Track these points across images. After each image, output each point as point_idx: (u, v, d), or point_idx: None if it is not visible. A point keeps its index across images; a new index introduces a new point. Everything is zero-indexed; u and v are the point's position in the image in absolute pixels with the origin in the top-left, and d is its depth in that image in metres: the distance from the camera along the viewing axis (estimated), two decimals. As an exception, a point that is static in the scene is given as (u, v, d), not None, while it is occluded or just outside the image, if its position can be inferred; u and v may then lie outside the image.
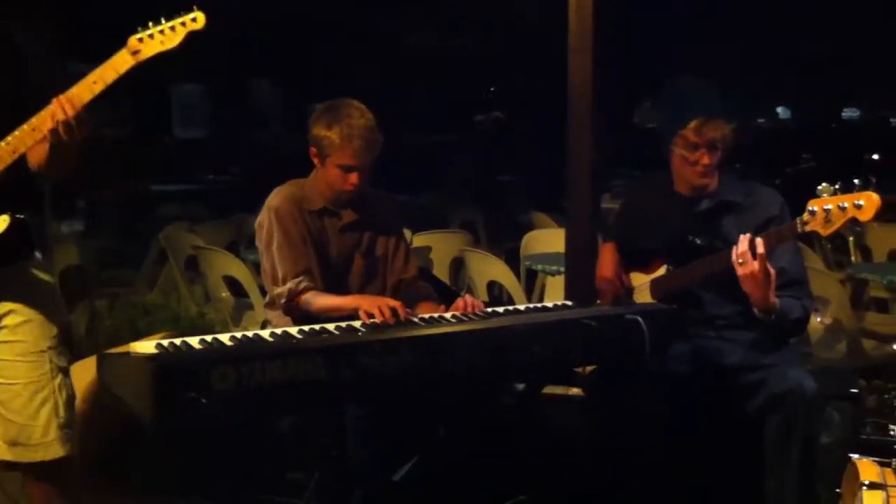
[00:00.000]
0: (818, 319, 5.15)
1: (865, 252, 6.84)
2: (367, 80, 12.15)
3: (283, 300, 3.12)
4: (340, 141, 3.07)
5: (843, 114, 22.94)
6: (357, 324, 2.79)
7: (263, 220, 3.22)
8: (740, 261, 3.01)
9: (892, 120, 22.83)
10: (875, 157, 16.96)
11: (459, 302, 3.05)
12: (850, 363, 4.64)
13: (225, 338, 2.61)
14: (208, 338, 2.59)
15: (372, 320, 2.78)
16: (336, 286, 3.19)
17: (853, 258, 6.76)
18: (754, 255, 2.98)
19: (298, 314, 3.13)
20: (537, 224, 7.28)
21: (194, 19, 2.49)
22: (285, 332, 2.68)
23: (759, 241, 2.99)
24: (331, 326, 2.75)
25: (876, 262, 6.54)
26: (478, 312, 2.98)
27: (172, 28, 2.49)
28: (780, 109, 22.72)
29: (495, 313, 2.99)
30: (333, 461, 2.95)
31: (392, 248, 3.33)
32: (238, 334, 2.65)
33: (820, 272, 5.47)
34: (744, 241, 3.02)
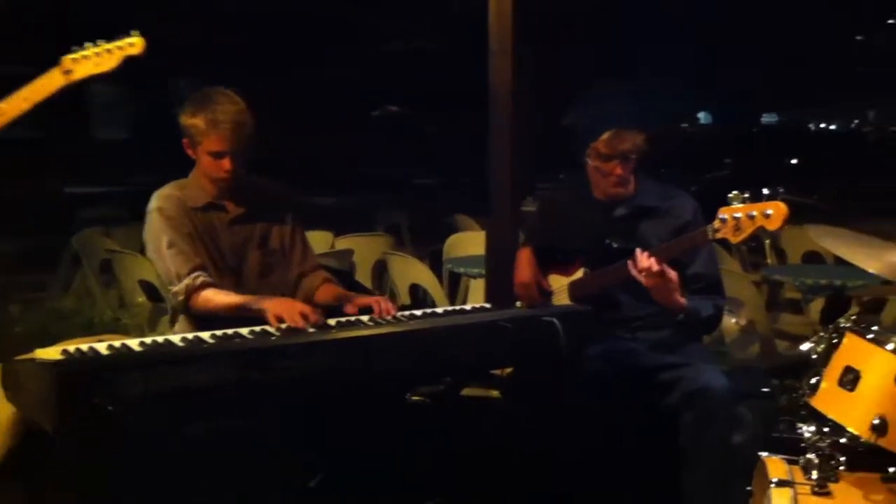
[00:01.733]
0: (733, 320, 5.25)
1: (781, 254, 7.01)
2: (290, 79, 12.06)
3: (181, 298, 3.06)
4: (207, 126, 3.02)
5: (763, 119, 23.53)
6: (271, 328, 2.75)
7: (149, 224, 3.15)
8: (642, 274, 3.09)
9: (810, 125, 23.53)
10: (794, 161, 17.46)
11: (371, 299, 3.03)
12: (764, 363, 4.74)
13: (134, 343, 2.55)
14: (116, 343, 2.53)
15: (283, 324, 2.74)
16: (233, 282, 3.14)
17: (769, 260, 6.92)
18: (653, 268, 3.06)
19: (200, 314, 3.06)
20: (461, 226, 7.28)
21: (132, 44, 2.44)
22: (197, 337, 2.63)
23: (653, 260, 3.07)
24: (244, 331, 2.70)
25: (790, 264, 6.70)
26: (396, 315, 2.96)
27: (109, 51, 2.43)
28: (701, 115, 23.20)
29: (413, 316, 2.98)
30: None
31: (288, 239, 3.28)
32: (148, 339, 2.59)
33: (735, 274, 5.59)
34: (642, 257, 3.09)
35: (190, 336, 2.65)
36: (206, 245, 3.13)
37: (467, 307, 3.21)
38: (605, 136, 3.32)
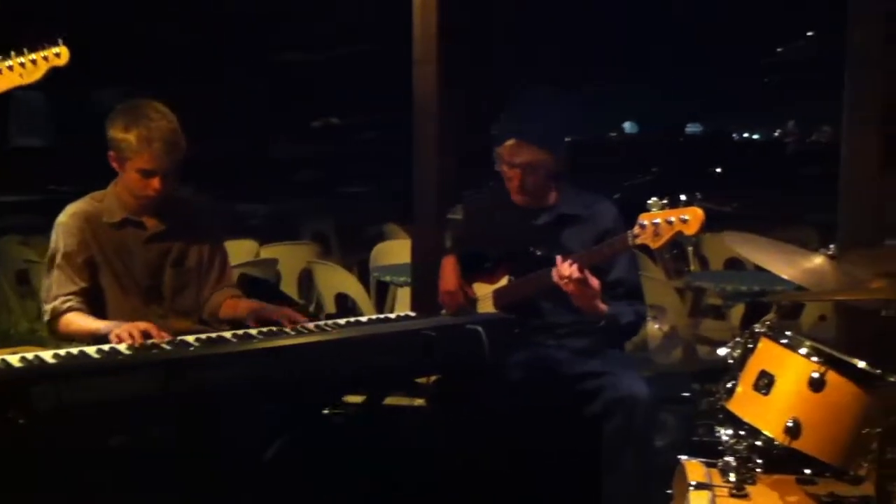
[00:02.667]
0: (657, 327, 5.34)
1: (704, 261, 7.14)
2: (215, 84, 11.91)
3: (46, 319, 3.00)
4: (139, 143, 2.93)
5: (687, 129, 23.94)
6: (191, 338, 2.71)
7: (52, 236, 3.08)
8: (563, 281, 3.12)
9: (734, 135, 24.05)
10: (718, 170, 17.81)
11: (277, 313, 2.99)
12: (686, 368, 4.82)
13: (48, 355, 2.49)
14: (30, 355, 2.46)
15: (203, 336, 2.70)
16: (143, 301, 3.08)
17: (692, 267, 7.05)
18: (575, 274, 3.10)
19: (62, 337, 2.99)
20: (389, 235, 7.27)
21: (58, 54, 2.37)
22: (112, 349, 2.57)
23: (574, 266, 3.11)
24: (163, 342, 2.66)
25: (713, 270, 6.82)
26: (319, 325, 2.93)
27: (34, 61, 2.36)
28: (627, 124, 23.53)
29: (336, 325, 2.96)
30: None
31: (206, 258, 3.21)
32: (62, 351, 2.53)
33: (659, 281, 5.68)
34: (564, 264, 3.13)
35: (106, 347, 2.59)
36: (113, 264, 3.06)
37: (391, 316, 3.20)
38: (509, 143, 3.35)
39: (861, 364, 2.49)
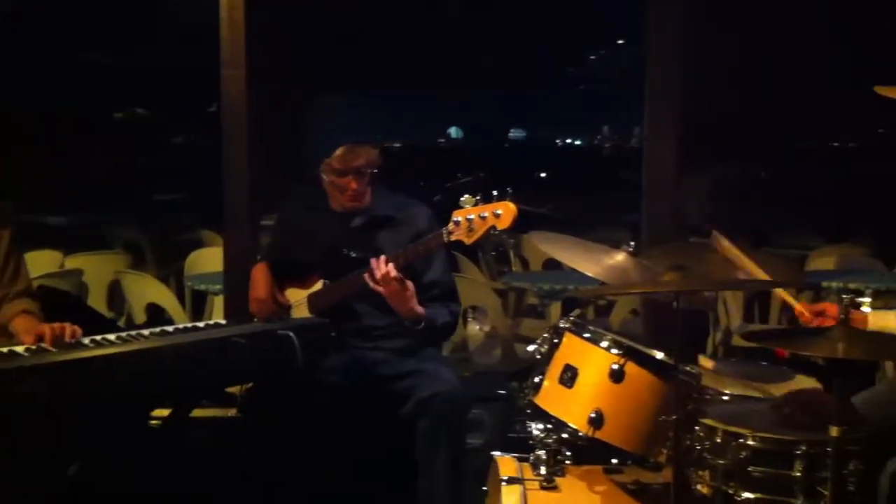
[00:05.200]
0: (477, 327, 5.43)
1: (525, 262, 7.31)
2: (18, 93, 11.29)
3: None
4: None
5: (511, 134, 24.52)
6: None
7: None
8: (379, 280, 3.11)
9: (557, 141, 24.83)
10: (542, 174, 18.34)
11: (45, 328, 2.78)
12: (505, 367, 4.91)
13: None
14: None
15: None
16: None
17: (514, 268, 7.20)
18: (391, 273, 3.11)
19: None
20: (206, 242, 7.06)
21: None
22: None
23: (391, 265, 3.12)
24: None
25: (532, 270, 7.00)
26: (123, 335, 2.80)
27: None
28: (452, 130, 23.88)
29: (140, 335, 2.83)
30: None
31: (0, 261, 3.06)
32: None
33: (478, 283, 5.78)
34: (381, 264, 3.13)
35: None
36: None
37: (200, 324, 3.10)
38: (339, 152, 3.35)
39: (659, 355, 2.59)
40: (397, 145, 19.38)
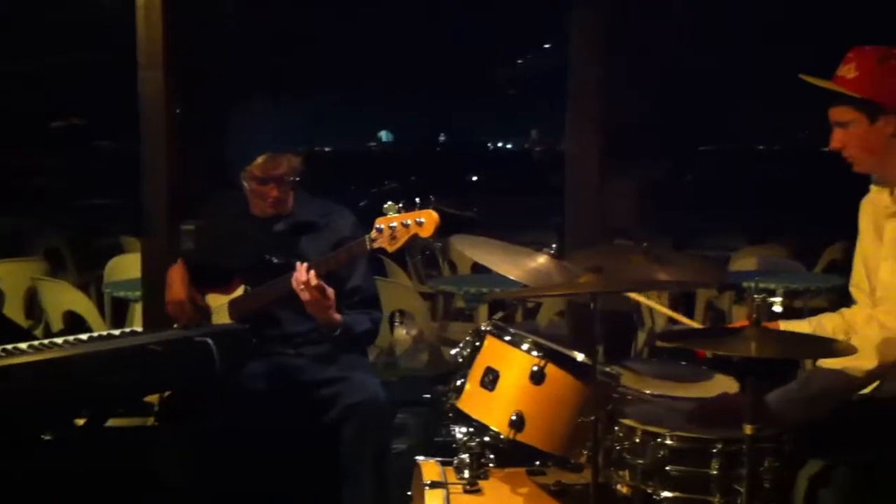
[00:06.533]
0: (404, 331, 5.42)
1: (453, 265, 7.32)
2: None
3: None
4: None
5: (442, 138, 24.54)
6: None
7: None
8: (301, 287, 3.08)
9: (489, 144, 24.94)
10: (474, 178, 18.40)
11: None
12: (432, 370, 4.90)
13: None
14: None
15: None
16: None
17: (442, 272, 7.20)
18: (312, 281, 3.08)
19: None
20: (127, 248, 6.91)
21: None
22: None
23: (312, 272, 3.10)
24: None
25: (460, 274, 7.00)
26: (33, 344, 2.72)
27: None
28: (382, 133, 23.82)
29: (52, 344, 2.76)
30: None
31: None
32: None
33: (405, 287, 5.76)
34: (302, 270, 3.10)
35: None
36: None
37: (115, 332, 3.03)
38: (260, 160, 3.30)
39: (580, 356, 2.60)
40: (327, 149, 19.28)
